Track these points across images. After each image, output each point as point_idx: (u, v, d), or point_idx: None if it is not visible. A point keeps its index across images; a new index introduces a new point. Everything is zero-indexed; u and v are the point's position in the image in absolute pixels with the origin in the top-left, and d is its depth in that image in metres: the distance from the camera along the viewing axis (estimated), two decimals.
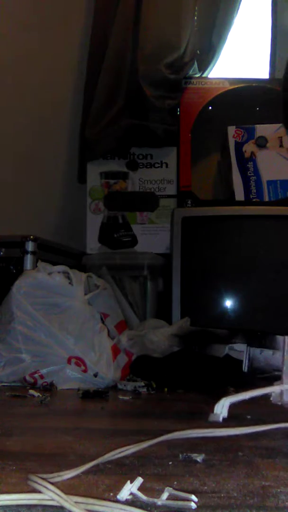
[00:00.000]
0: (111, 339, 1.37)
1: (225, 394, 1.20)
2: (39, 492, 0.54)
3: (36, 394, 1.17)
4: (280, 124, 2.03)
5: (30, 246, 1.63)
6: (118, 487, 0.57)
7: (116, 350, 1.35)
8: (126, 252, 2.07)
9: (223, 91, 2.14)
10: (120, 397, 1.19)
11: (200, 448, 0.76)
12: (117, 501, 0.55)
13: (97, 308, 1.38)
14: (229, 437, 0.85)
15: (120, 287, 1.88)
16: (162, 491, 0.56)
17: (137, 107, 2.12)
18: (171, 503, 0.54)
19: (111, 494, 0.57)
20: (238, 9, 2.26)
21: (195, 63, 2.20)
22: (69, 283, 1.34)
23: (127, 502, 0.54)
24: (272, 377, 1.37)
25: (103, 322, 1.39)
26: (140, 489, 0.57)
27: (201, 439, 0.83)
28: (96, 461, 0.66)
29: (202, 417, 0.99)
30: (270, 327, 1.63)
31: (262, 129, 2.04)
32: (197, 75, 2.24)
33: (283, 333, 1.41)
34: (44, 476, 0.59)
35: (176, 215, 1.82)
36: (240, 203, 1.94)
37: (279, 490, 0.59)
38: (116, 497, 0.55)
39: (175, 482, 0.61)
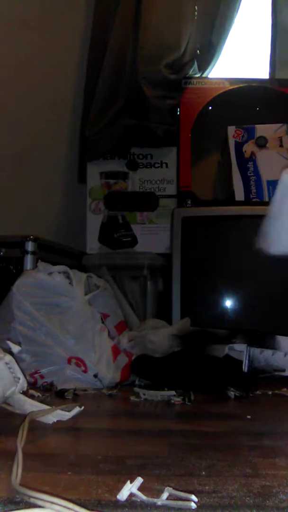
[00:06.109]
0: (111, 339, 1.37)
1: (225, 394, 1.21)
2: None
3: (36, 394, 1.17)
4: (280, 124, 2.03)
5: (30, 246, 1.63)
6: (118, 487, 0.57)
7: (116, 351, 1.35)
8: (126, 252, 2.06)
9: (223, 91, 2.14)
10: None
11: (200, 447, 0.76)
12: (117, 501, 0.55)
13: (97, 308, 1.38)
14: (229, 437, 0.85)
15: (120, 287, 1.88)
16: (162, 491, 0.56)
17: (137, 107, 2.12)
18: (171, 503, 0.54)
19: (111, 494, 0.57)
20: (238, 8, 2.26)
21: (195, 63, 2.21)
22: (69, 283, 1.34)
23: (127, 502, 0.54)
24: (272, 377, 1.38)
25: (103, 322, 1.39)
26: (140, 489, 0.56)
27: (201, 439, 0.83)
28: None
29: (202, 416, 0.99)
30: (270, 327, 1.63)
31: (262, 129, 2.03)
32: (197, 75, 2.24)
33: (283, 333, 1.41)
34: None
35: (176, 215, 1.81)
36: (240, 203, 1.94)
37: (279, 490, 0.59)
38: (116, 497, 0.55)
39: (175, 482, 0.61)
